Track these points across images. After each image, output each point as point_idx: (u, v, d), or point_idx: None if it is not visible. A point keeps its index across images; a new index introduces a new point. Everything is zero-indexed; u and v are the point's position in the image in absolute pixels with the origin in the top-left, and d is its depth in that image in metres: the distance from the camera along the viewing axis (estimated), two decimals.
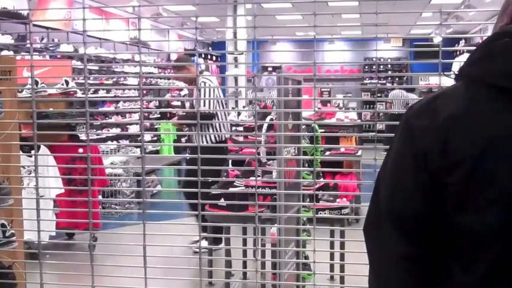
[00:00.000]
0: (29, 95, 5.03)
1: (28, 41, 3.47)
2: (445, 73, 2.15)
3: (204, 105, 6.14)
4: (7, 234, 3.72)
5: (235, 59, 12.44)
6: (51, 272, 3.36)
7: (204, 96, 6.19)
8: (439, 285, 1.24)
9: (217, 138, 6.34)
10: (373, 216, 1.33)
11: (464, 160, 1.16)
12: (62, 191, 5.71)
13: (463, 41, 15.80)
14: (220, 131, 6.40)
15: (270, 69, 16.26)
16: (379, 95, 14.19)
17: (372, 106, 17.32)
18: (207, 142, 6.27)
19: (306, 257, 4.51)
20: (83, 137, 6.50)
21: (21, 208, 3.93)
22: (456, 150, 1.17)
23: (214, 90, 6.35)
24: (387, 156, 1.32)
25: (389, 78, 18.73)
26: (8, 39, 8.68)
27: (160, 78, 14.63)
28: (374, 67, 18.46)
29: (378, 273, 1.32)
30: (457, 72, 1.28)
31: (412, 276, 1.25)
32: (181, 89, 14.81)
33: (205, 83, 6.29)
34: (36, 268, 3.43)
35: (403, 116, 1.30)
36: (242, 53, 12.31)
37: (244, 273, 5.69)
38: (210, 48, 19.72)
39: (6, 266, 3.72)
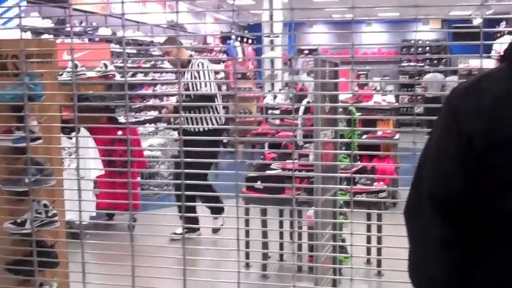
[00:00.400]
0: (69, 78, 5.12)
1: (68, 25, 3.52)
2: (487, 54, 2.12)
3: (206, 87, 6.07)
4: (49, 214, 3.81)
5: (271, 42, 12.39)
6: (92, 252, 3.43)
7: (204, 78, 6.08)
8: (477, 268, 1.23)
9: (218, 121, 6.24)
10: (414, 199, 1.32)
11: (506, 142, 1.15)
12: (102, 172, 5.81)
13: (504, 22, 15.42)
14: (219, 113, 6.28)
15: (306, 51, 16.15)
16: (417, 77, 14.05)
17: (409, 89, 17.11)
18: (207, 124, 6.17)
19: (343, 240, 4.52)
20: (121, 119, 6.59)
21: (63, 189, 4.02)
22: (499, 132, 1.16)
23: (211, 72, 6.27)
24: (430, 139, 1.31)
25: (427, 61, 18.41)
26: (48, 23, 8.80)
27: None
28: (412, 49, 18.16)
29: (417, 257, 1.32)
30: (501, 53, 1.27)
31: (451, 259, 1.25)
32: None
33: (203, 64, 6.18)
34: (77, 248, 3.51)
35: (446, 98, 1.29)
36: (278, 36, 12.25)
37: (281, 255, 5.72)
38: (245, 31, 19.68)
39: (49, 245, 3.82)
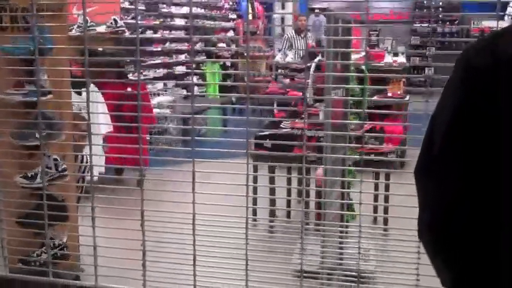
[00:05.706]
0: (79, 33, 5.09)
1: None
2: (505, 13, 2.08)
3: None
4: (60, 169, 3.84)
5: None
6: (102, 206, 3.45)
7: None
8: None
9: None
10: (426, 159, 1.30)
11: None
12: (111, 128, 5.81)
13: None
14: None
15: (317, 10, 15.95)
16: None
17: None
18: None
19: (351, 199, 4.54)
20: (130, 76, 6.57)
21: (73, 143, 4.04)
22: None
23: None
24: (441, 100, 1.28)
25: (439, 22, 18.17)
26: None
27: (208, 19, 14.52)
28: (425, 10, 18.00)
29: (431, 215, 1.29)
30: None
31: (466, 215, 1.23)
32: (227, 30, 14.70)
33: None
34: (87, 202, 3.53)
35: (459, 57, 1.25)
36: None
37: (288, 213, 5.76)
38: None
39: (59, 199, 3.86)
